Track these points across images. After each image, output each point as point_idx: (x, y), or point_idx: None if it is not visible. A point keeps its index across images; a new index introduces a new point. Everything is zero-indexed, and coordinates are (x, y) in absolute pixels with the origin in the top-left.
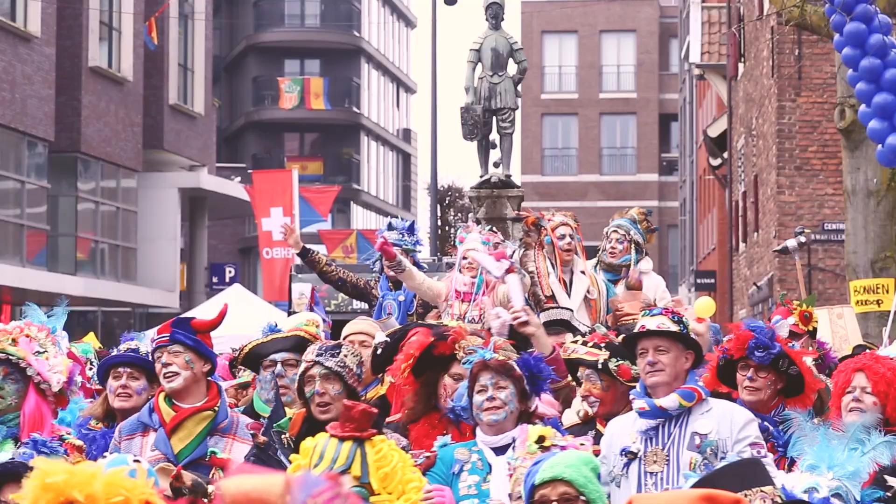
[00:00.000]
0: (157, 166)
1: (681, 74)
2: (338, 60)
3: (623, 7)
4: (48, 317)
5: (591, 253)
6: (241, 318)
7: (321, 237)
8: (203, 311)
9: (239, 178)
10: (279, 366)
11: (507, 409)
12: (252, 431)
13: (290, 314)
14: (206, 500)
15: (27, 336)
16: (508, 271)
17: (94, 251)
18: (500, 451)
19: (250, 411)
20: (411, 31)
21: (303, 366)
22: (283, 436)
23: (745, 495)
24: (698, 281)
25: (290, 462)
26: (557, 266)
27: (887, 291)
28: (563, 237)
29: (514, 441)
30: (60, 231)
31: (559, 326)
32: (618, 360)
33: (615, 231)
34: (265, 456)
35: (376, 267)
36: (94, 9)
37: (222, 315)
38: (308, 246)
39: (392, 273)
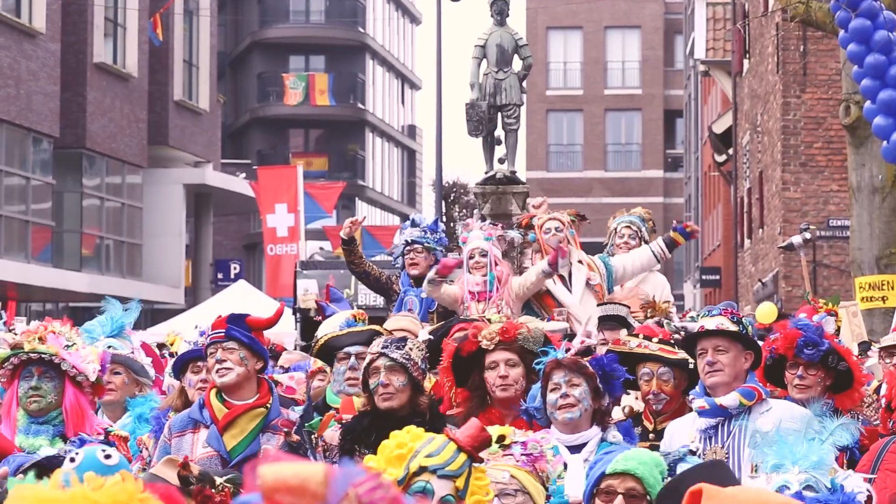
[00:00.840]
0: (162, 162)
1: (686, 71)
2: (343, 57)
3: (628, 3)
4: (124, 311)
5: (595, 249)
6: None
7: (326, 233)
8: (209, 308)
9: (244, 175)
10: (353, 359)
11: (581, 407)
12: (285, 429)
13: (294, 311)
14: (214, 491)
15: (53, 332)
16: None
17: (100, 247)
18: (575, 449)
19: (323, 405)
20: (416, 28)
21: (368, 357)
22: (312, 435)
23: None
24: (703, 277)
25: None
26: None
27: (892, 288)
28: (548, 231)
29: (588, 441)
30: (65, 227)
31: (614, 322)
32: None
33: (627, 227)
34: (296, 455)
35: (398, 263)
36: (98, 5)
37: (279, 314)
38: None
39: (430, 285)
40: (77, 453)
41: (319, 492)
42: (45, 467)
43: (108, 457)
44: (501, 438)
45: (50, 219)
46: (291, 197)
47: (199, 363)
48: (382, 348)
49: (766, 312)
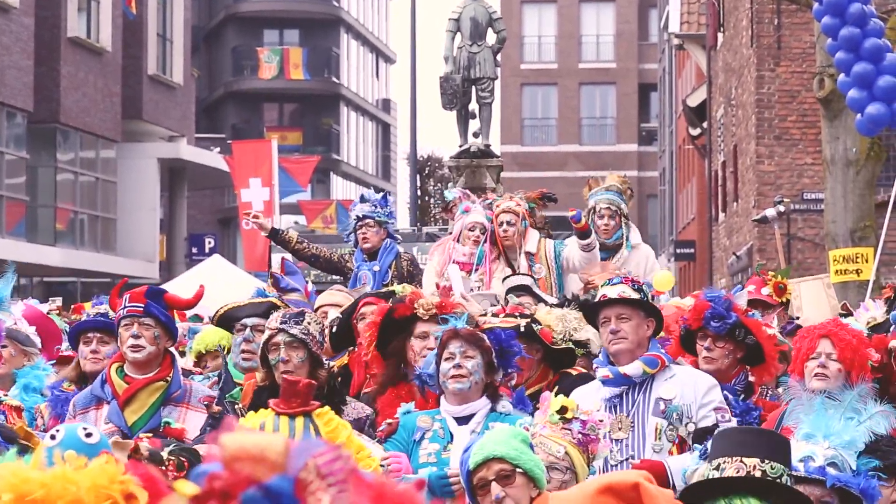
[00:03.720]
0: (137, 137)
1: (660, 44)
2: (317, 30)
3: None
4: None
5: (568, 224)
6: (221, 288)
7: (301, 208)
8: (183, 282)
9: (218, 149)
10: (248, 330)
11: (471, 380)
12: (206, 402)
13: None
14: (163, 469)
15: None
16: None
17: (74, 222)
18: (462, 420)
19: (226, 377)
20: (390, 1)
21: (266, 333)
22: (235, 406)
23: (724, 461)
24: (678, 251)
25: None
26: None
27: (866, 261)
28: (501, 224)
29: (475, 413)
30: (40, 202)
31: (521, 291)
32: (538, 325)
33: (607, 208)
34: (221, 425)
35: (350, 239)
36: None
37: (198, 297)
38: (276, 227)
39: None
40: (58, 430)
41: (279, 461)
42: None
43: (89, 435)
44: (564, 410)
45: (24, 193)
46: (266, 171)
47: (90, 334)
48: (281, 324)
49: (663, 280)
